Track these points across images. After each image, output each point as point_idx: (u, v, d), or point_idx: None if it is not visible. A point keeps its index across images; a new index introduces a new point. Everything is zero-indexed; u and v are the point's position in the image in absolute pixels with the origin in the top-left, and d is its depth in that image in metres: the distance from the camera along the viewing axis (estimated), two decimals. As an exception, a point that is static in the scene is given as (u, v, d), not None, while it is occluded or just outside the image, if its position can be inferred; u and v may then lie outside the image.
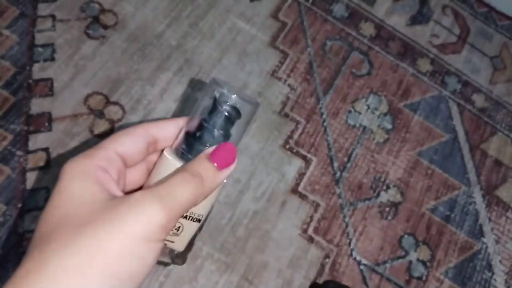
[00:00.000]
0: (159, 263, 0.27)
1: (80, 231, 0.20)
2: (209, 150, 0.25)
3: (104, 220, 0.20)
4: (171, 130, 0.27)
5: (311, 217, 0.50)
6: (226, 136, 0.26)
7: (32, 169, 0.46)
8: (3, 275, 0.42)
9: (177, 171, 0.24)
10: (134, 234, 0.20)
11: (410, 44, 0.62)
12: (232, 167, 0.25)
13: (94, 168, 0.22)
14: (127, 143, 0.25)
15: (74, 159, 0.23)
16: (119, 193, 0.23)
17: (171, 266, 0.44)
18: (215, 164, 0.24)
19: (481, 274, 0.52)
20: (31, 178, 0.45)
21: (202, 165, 0.24)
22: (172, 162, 0.26)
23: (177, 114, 0.51)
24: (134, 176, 0.27)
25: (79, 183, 0.22)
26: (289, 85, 0.55)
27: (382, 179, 0.54)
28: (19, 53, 0.50)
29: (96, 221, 0.20)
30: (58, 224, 0.20)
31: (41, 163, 0.46)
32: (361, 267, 0.49)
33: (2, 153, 0.46)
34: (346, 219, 0.51)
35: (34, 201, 0.44)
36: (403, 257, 0.51)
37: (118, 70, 0.51)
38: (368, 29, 0.62)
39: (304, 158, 0.52)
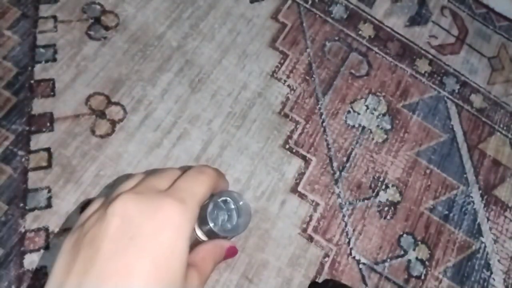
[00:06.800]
0: None
1: None
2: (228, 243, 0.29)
3: None
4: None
5: (311, 216, 0.50)
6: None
7: (34, 169, 0.46)
8: (5, 275, 0.42)
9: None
10: None
11: (409, 45, 0.63)
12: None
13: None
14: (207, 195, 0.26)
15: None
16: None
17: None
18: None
19: (479, 273, 0.52)
20: (32, 178, 0.46)
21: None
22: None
23: (177, 115, 0.51)
24: None
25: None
26: (288, 86, 0.56)
27: (381, 179, 0.54)
28: (20, 54, 0.51)
29: None
30: None
31: (43, 163, 0.46)
32: (360, 266, 0.50)
33: (4, 153, 0.46)
34: (345, 218, 0.51)
35: (36, 201, 0.45)
36: (402, 256, 0.51)
37: (119, 71, 0.52)
38: (367, 30, 0.62)
39: (303, 158, 0.53)
